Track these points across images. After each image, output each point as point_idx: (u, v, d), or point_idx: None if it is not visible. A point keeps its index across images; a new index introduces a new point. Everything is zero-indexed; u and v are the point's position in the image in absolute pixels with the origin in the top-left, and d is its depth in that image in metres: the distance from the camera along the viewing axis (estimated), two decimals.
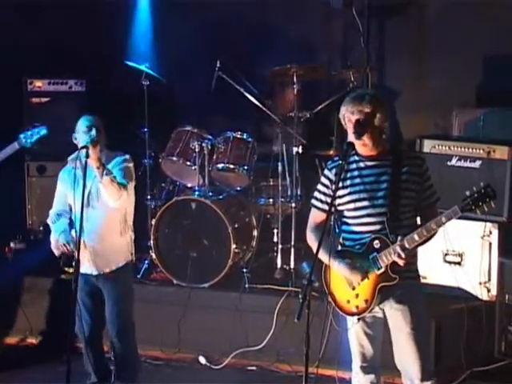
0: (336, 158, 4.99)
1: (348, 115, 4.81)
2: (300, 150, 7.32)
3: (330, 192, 4.89)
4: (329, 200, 4.86)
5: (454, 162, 6.84)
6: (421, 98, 7.97)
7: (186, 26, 8.21)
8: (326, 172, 4.98)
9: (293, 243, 7.17)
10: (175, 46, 8.24)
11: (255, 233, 7.39)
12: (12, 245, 8.09)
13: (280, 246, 7.26)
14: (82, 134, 5.75)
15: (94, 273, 5.96)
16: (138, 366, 6.26)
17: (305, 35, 8.28)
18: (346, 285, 4.91)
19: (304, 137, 7.42)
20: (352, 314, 4.94)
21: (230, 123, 7.73)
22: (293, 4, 8.25)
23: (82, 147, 5.56)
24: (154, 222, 7.29)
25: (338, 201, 4.86)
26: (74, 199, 5.68)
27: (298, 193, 7.38)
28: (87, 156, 5.51)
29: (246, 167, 7.40)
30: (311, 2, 8.16)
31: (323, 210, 4.94)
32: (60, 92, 8.22)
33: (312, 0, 8.17)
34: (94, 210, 5.84)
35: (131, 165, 5.99)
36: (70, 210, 5.92)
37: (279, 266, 7.25)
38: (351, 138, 4.82)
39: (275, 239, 7.40)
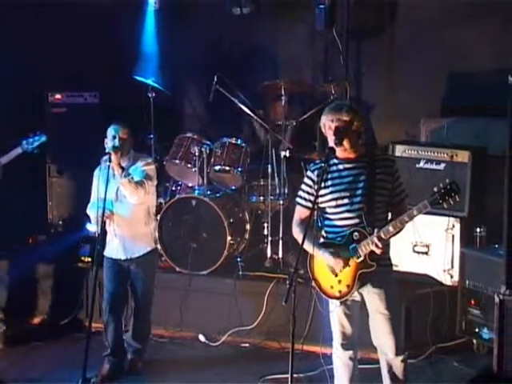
0: (317, 161, 5.04)
1: (328, 123, 4.84)
2: (287, 154, 7.34)
3: (312, 191, 4.93)
4: (312, 198, 4.91)
5: (421, 164, 6.87)
6: (393, 109, 7.99)
7: (188, 45, 8.21)
8: (309, 173, 5.01)
9: (281, 236, 7.19)
10: (178, 63, 8.25)
11: (248, 226, 7.40)
12: (34, 237, 8.09)
13: (269, 238, 7.27)
14: (108, 140, 5.94)
15: (123, 257, 6.10)
16: (147, 332, 6.41)
17: (292, 53, 8.28)
18: (329, 272, 4.94)
19: (291, 142, 7.45)
20: (335, 298, 4.98)
21: (226, 130, 7.73)
22: (281, 27, 8.26)
23: (106, 153, 5.79)
24: (158, 217, 7.28)
25: (320, 199, 4.90)
26: (104, 193, 5.79)
27: (286, 191, 7.38)
28: (110, 160, 5.73)
29: (239, 169, 7.41)
30: (297, 26, 8.17)
31: (307, 207, 4.97)
32: (76, 104, 8.20)
33: (298, 23, 8.16)
34: (122, 204, 6.03)
35: (152, 166, 6.13)
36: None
37: (269, 255, 7.26)
38: (332, 143, 4.85)
39: (265, 232, 7.40)
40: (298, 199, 5.08)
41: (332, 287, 4.96)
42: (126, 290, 6.24)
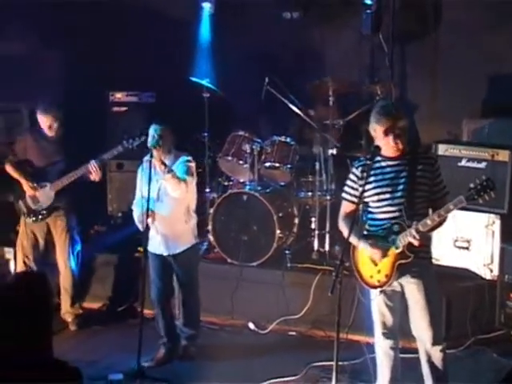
0: (362, 159, 5.09)
1: (382, 129, 4.85)
2: (334, 152, 7.34)
3: (356, 186, 4.98)
4: (356, 193, 4.97)
5: (463, 163, 6.81)
6: (435, 109, 7.93)
7: (241, 47, 8.23)
8: (354, 170, 5.05)
9: (327, 229, 7.19)
10: (231, 64, 8.27)
11: (296, 221, 7.40)
12: (95, 228, 8.20)
13: (317, 232, 7.27)
14: (149, 138, 5.93)
15: (165, 253, 6.10)
16: (198, 318, 6.44)
17: (339, 56, 8.26)
18: (369, 262, 4.98)
19: (338, 140, 7.43)
20: (375, 287, 5.01)
21: (276, 129, 7.74)
22: (329, 31, 8.25)
23: (148, 151, 5.79)
24: (212, 210, 7.34)
25: (364, 194, 4.94)
26: (146, 191, 5.83)
27: (332, 187, 7.36)
28: (151, 156, 5.72)
29: (289, 166, 7.41)
30: (344, 29, 8.15)
31: (351, 202, 5.02)
32: (135, 103, 8.30)
33: (345, 28, 8.14)
34: (162, 203, 6.01)
35: (192, 164, 6.13)
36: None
37: (316, 248, 7.27)
38: (388, 149, 4.88)
39: (313, 226, 7.39)
40: (344, 194, 5.13)
41: (372, 277, 4.99)
42: (171, 282, 6.25)
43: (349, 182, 5.07)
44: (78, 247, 7.00)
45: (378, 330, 5.11)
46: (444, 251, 6.62)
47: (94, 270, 7.53)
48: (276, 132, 7.60)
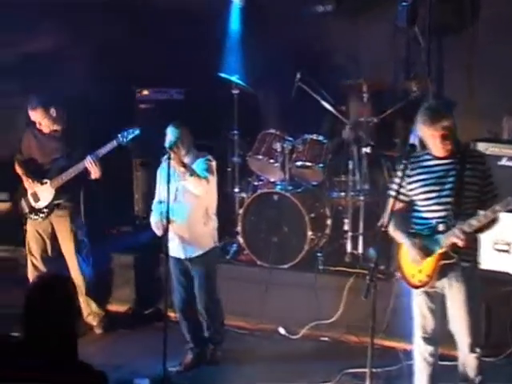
0: (411, 155, 5.07)
1: (431, 132, 4.85)
2: (368, 150, 7.30)
3: (403, 184, 4.98)
4: (402, 190, 4.99)
5: (503, 162, 6.74)
6: (474, 107, 7.86)
7: (271, 42, 8.21)
8: (401, 166, 5.07)
9: (361, 231, 7.17)
10: (261, 60, 8.26)
11: (328, 222, 7.38)
12: (121, 228, 8.24)
13: (350, 234, 7.25)
14: (167, 139, 5.95)
15: (183, 257, 6.10)
16: (223, 323, 6.40)
17: (372, 50, 8.19)
18: (412, 261, 4.98)
19: (371, 139, 7.40)
20: (416, 287, 5.01)
21: (308, 127, 7.72)
22: (362, 24, 8.21)
23: (166, 151, 5.77)
24: (241, 211, 7.35)
25: (410, 192, 5.00)
26: (164, 193, 5.86)
27: (366, 187, 7.35)
28: (169, 158, 5.69)
29: (321, 165, 7.40)
30: (378, 22, 8.10)
31: (398, 199, 5.02)
32: (162, 100, 8.33)
33: (379, 20, 8.10)
34: (179, 205, 5.98)
35: (213, 163, 6.12)
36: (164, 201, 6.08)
37: (349, 250, 7.25)
38: (436, 150, 4.88)
39: (346, 227, 7.36)
40: (390, 191, 5.15)
41: (413, 276, 4.99)
42: (191, 286, 6.23)
43: (395, 179, 5.11)
44: (86, 248, 7.02)
45: (417, 333, 5.10)
46: (483, 254, 6.54)
47: (120, 271, 7.58)
48: (308, 130, 7.59)
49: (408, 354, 5.34)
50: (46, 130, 6.80)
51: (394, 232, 4.94)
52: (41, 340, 3.16)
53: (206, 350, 6.37)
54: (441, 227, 4.86)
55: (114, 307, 7.48)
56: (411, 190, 4.98)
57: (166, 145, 5.84)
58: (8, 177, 6.97)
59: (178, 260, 6.13)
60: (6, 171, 6.98)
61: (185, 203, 6.01)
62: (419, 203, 5.00)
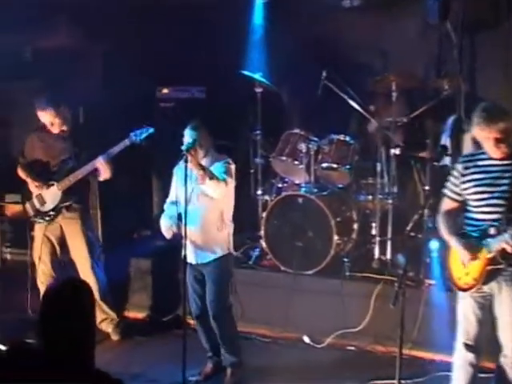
0: (467, 154, 5.21)
1: (486, 135, 4.88)
2: (397, 152, 7.26)
3: (457, 182, 5.06)
4: (456, 190, 5.07)
5: None
6: (508, 105, 7.79)
7: (295, 39, 8.21)
8: (457, 165, 5.14)
9: (389, 236, 7.14)
10: (285, 57, 8.26)
11: (355, 226, 7.37)
12: (139, 231, 8.26)
13: (378, 239, 7.22)
14: (184, 141, 5.93)
15: (194, 262, 6.07)
16: (237, 342, 6.30)
17: (402, 47, 8.15)
18: (460, 263, 5.02)
19: (401, 139, 7.37)
20: (462, 290, 5.04)
21: (334, 127, 7.70)
22: (391, 19, 8.18)
23: (183, 153, 5.70)
24: (264, 214, 7.34)
25: (464, 191, 5.04)
26: (180, 194, 5.87)
27: (395, 190, 7.33)
28: (186, 161, 5.63)
29: (347, 166, 7.39)
30: (408, 18, 8.07)
31: (451, 198, 5.11)
32: (183, 98, 8.34)
33: (409, 16, 8.07)
34: (193, 207, 5.91)
35: (232, 166, 6.08)
36: (177, 203, 6.08)
37: (377, 256, 7.22)
38: (492, 152, 4.91)
39: (373, 232, 7.34)
40: (445, 190, 5.19)
41: (460, 278, 5.02)
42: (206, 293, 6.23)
43: (451, 178, 5.15)
44: (98, 251, 7.04)
45: (460, 339, 5.10)
46: None
47: (138, 277, 7.61)
48: (334, 130, 7.58)
49: (438, 365, 5.31)
50: (56, 130, 6.79)
51: (444, 231, 5.03)
52: (57, 347, 3.17)
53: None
54: (492, 230, 4.87)
55: (131, 313, 7.51)
56: (465, 189, 5.03)
57: (183, 147, 5.80)
58: (21, 179, 6.99)
59: (191, 266, 6.10)
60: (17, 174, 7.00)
61: (199, 206, 5.97)
62: (472, 203, 5.03)
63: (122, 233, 7.94)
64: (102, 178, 6.77)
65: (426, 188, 7.04)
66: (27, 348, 3.28)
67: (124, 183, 6.85)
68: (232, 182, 6.03)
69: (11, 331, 6.29)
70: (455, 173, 5.10)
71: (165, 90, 8.37)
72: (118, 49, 8.39)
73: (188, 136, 5.93)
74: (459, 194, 5.06)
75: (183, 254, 5.77)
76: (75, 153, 6.79)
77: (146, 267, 7.62)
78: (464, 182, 5.02)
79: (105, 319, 7.04)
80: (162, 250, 7.63)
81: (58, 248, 7.00)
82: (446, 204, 5.16)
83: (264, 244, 7.36)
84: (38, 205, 6.90)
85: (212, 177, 5.79)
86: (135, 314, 7.54)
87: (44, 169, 6.90)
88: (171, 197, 6.23)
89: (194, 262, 6.08)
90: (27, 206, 6.95)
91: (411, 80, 7.61)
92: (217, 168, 5.96)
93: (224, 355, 6.24)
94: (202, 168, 5.77)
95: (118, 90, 7.93)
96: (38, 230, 6.98)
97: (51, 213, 6.87)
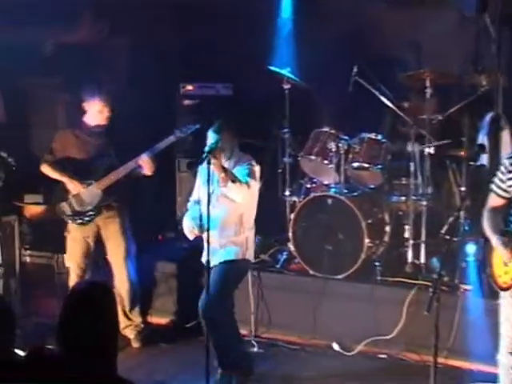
0: None
1: None
2: (431, 151, 7.24)
3: (505, 178, 5.06)
4: (503, 186, 5.07)
5: None
6: None
7: (326, 34, 8.21)
8: (504, 161, 5.14)
9: (423, 239, 7.12)
10: (314, 52, 8.26)
11: (387, 228, 7.35)
12: (163, 234, 8.30)
13: (411, 242, 7.19)
14: (207, 143, 5.94)
15: (211, 265, 6.07)
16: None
17: (437, 41, 8.13)
18: (501, 261, 5.02)
19: (436, 138, 7.35)
20: (502, 289, 5.05)
21: (366, 125, 7.68)
22: (427, 11, 8.16)
23: (205, 155, 5.68)
24: (292, 216, 7.34)
25: (510, 188, 5.05)
26: (202, 195, 5.92)
27: (429, 191, 7.30)
28: (209, 162, 5.62)
29: (379, 166, 7.37)
30: (443, 11, 8.04)
31: (498, 195, 5.11)
32: (208, 95, 8.36)
33: (444, 8, 8.04)
34: (213, 209, 5.85)
35: (256, 168, 6.08)
36: (199, 203, 6.12)
37: (410, 260, 7.19)
38: None
39: (406, 235, 7.31)
40: (492, 186, 5.19)
41: (500, 276, 5.04)
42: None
43: (498, 174, 5.15)
44: (134, 250, 7.08)
45: (502, 343, 5.08)
46: None
47: (161, 281, 7.63)
48: (365, 128, 7.56)
49: (475, 375, 5.29)
50: (103, 120, 6.78)
51: (487, 228, 5.04)
52: (77, 353, 3.20)
53: (251, 364, 6.32)
54: None
55: (153, 319, 7.53)
56: (511, 186, 5.04)
57: (206, 148, 5.81)
58: (42, 178, 7.03)
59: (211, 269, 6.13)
60: (40, 172, 7.02)
61: (218, 208, 5.99)
62: None
63: (145, 235, 7.97)
64: (146, 173, 6.73)
65: (462, 189, 7.02)
66: (47, 354, 3.30)
67: (148, 184, 6.87)
68: (255, 185, 6.04)
69: (30, 337, 6.33)
70: (502, 168, 5.10)
71: (189, 87, 8.38)
72: (141, 44, 8.44)
73: (211, 138, 5.96)
74: (506, 191, 5.06)
75: (204, 258, 5.79)
76: (114, 149, 6.79)
77: (170, 271, 7.64)
78: (510, 179, 5.03)
79: (129, 325, 7.07)
80: (186, 252, 7.65)
81: (93, 249, 7.01)
82: (493, 200, 5.15)
83: (292, 247, 7.36)
84: (75, 205, 6.87)
85: (234, 179, 5.80)
86: (158, 319, 7.56)
87: (80, 167, 6.85)
88: (194, 196, 6.27)
89: (211, 265, 6.10)
90: (63, 206, 6.90)
91: (446, 75, 7.58)
92: (240, 170, 5.97)
93: (220, 362, 6.13)
94: (225, 170, 5.79)
95: (141, 87, 7.99)
96: (74, 231, 6.95)
97: (91, 213, 6.86)
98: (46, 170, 6.91)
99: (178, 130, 6.59)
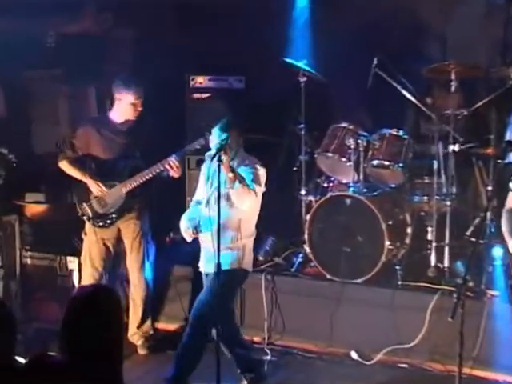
0: None
1: None
2: (456, 148, 7.20)
3: None
4: None
5: None
6: None
7: (344, 24, 8.19)
8: None
9: (447, 241, 7.07)
10: (332, 44, 8.24)
11: (409, 230, 7.32)
12: (172, 235, 8.28)
13: (434, 244, 7.15)
14: (215, 138, 5.93)
15: (203, 271, 6.15)
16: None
17: (463, 32, 8.11)
18: None
19: (461, 135, 7.31)
20: None
21: (386, 120, 7.66)
22: (450, 1, 8.13)
23: (215, 153, 5.63)
24: (308, 216, 7.32)
25: None
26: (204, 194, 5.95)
27: (454, 191, 7.26)
28: (219, 160, 5.56)
29: (401, 164, 7.34)
30: None
31: None
32: (220, 88, 8.34)
33: None
34: (212, 211, 5.88)
35: (261, 172, 6.05)
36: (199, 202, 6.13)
37: (433, 263, 7.14)
38: None
39: (429, 237, 7.29)
40: (511, 185, 5.20)
41: None
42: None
43: None
44: (153, 254, 7.07)
45: None
46: None
47: (170, 285, 7.61)
48: (386, 124, 7.54)
49: None
50: (133, 115, 6.76)
51: (504, 230, 5.04)
52: (81, 360, 3.19)
53: (262, 372, 6.34)
54: None
55: (161, 325, 7.53)
56: None
57: (216, 145, 5.79)
58: (44, 177, 7.02)
59: (205, 276, 6.15)
60: (43, 171, 7.02)
61: (215, 212, 5.86)
62: None
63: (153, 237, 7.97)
64: (171, 176, 6.71)
65: (489, 188, 7.00)
66: (48, 362, 3.30)
67: (157, 183, 6.86)
68: (260, 191, 6.02)
69: (31, 342, 6.34)
70: None
71: (199, 80, 8.37)
72: (149, 36, 8.44)
73: (217, 137, 5.93)
74: None
75: (200, 263, 5.82)
76: (139, 150, 6.79)
77: (180, 274, 7.62)
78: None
79: (137, 332, 7.07)
80: (194, 256, 7.63)
81: (112, 252, 7.04)
82: (510, 200, 5.15)
83: (308, 249, 7.34)
84: (98, 207, 6.87)
85: (242, 180, 5.77)
86: (165, 325, 7.55)
87: (103, 167, 6.85)
88: (197, 195, 6.26)
89: (203, 271, 6.14)
90: (84, 207, 6.90)
91: (473, 68, 7.54)
92: (244, 173, 5.93)
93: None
94: (232, 170, 5.76)
95: (148, 79, 7.98)
96: (93, 233, 6.95)
97: (113, 216, 6.88)
98: (65, 167, 6.89)
99: (207, 133, 6.55)
